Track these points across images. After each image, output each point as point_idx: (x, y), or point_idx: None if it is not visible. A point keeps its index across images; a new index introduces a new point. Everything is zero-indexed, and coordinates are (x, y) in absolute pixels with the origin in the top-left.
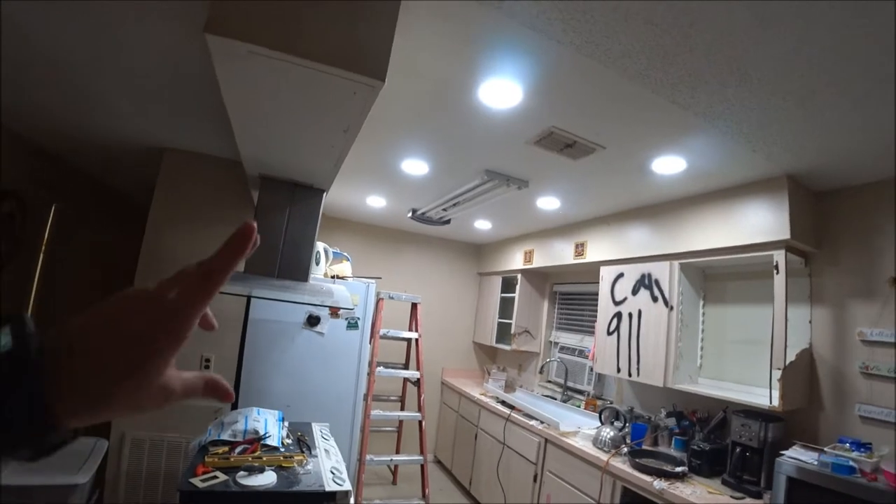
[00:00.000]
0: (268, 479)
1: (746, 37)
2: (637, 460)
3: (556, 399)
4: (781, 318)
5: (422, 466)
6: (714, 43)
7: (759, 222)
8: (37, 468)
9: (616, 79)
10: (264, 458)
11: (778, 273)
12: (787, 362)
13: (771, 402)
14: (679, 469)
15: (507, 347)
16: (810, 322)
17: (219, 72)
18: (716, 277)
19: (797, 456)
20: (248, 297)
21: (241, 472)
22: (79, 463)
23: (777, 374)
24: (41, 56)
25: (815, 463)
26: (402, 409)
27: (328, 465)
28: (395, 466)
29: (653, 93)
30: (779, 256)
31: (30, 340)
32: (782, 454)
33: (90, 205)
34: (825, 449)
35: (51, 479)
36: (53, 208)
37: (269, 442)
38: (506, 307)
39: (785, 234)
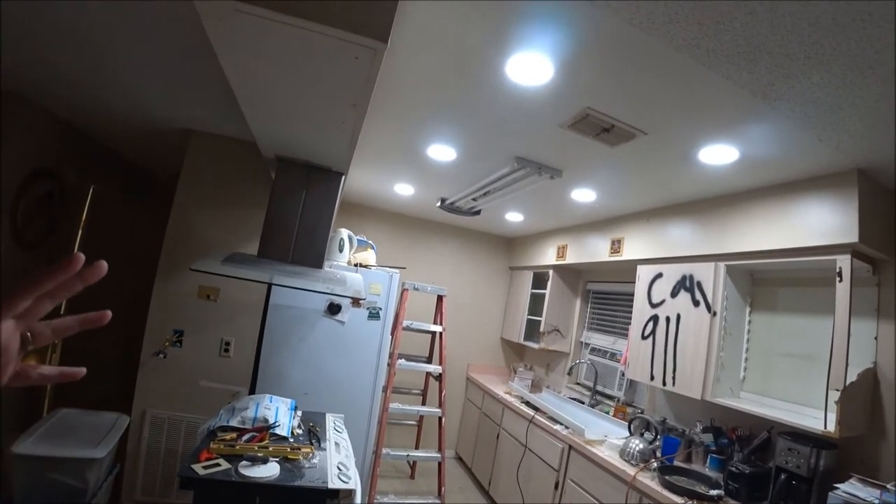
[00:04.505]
0: (270, 470)
1: None
2: (667, 478)
3: (583, 403)
4: (843, 332)
5: (439, 464)
6: (781, 3)
7: (821, 222)
8: (57, 440)
9: (661, 50)
10: (271, 448)
11: (841, 281)
12: (848, 382)
13: (825, 427)
14: (714, 492)
15: (535, 346)
16: (876, 338)
17: (210, 34)
18: (766, 282)
19: (854, 491)
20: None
21: (244, 462)
22: (99, 437)
23: (834, 395)
24: (69, 34)
25: (877, 502)
26: (424, 403)
27: (336, 459)
28: (414, 461)
29: (704, 66)
30: (843, 262)
31: None
32: (837, 487)
33: (121, 184)
34: (888, 486)
35: (69, 452)
36: (91, 189)
37: (278, 431)
38: (536, 304)
39: (852, 237)
